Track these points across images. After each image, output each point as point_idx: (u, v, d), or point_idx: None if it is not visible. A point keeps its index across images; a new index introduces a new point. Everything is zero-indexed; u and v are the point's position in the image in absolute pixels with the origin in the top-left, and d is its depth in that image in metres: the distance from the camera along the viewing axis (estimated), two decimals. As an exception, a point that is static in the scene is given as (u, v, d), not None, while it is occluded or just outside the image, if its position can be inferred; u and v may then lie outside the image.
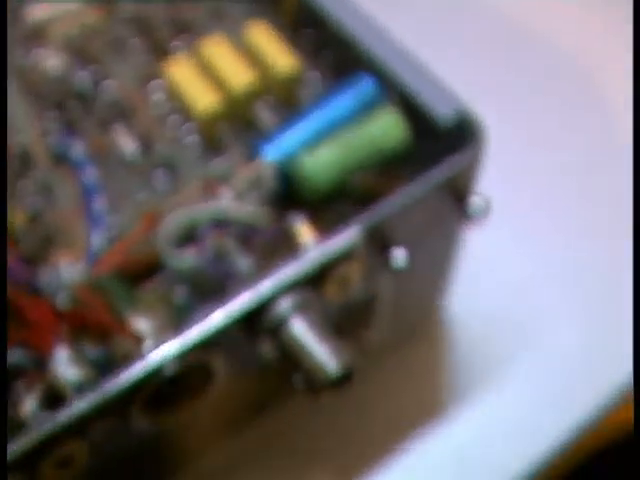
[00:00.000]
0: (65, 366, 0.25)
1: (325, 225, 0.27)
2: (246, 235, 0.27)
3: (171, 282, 0.27)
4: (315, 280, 0.26)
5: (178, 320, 0.26)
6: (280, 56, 0.30)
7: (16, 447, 0.23)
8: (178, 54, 0.30)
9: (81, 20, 0.32)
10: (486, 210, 0.27)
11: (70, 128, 0.30)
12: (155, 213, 0.28)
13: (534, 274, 0.35)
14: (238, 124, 0.30)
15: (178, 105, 0.30)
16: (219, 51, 0.30)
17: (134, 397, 0.24)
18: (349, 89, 0.29)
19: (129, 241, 0.28)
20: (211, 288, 0.27)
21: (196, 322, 0.25)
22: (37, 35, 0.32)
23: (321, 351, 0.25)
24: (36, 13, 0.32)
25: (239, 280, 0.27)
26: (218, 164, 0.29)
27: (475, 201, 0.27)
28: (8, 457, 0.23)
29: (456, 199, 0.27)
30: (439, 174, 0.26)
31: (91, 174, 0.29)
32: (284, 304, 0.25)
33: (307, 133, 0.28)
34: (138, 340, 0.25)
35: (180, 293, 0.27)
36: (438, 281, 0.32)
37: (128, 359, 0.25)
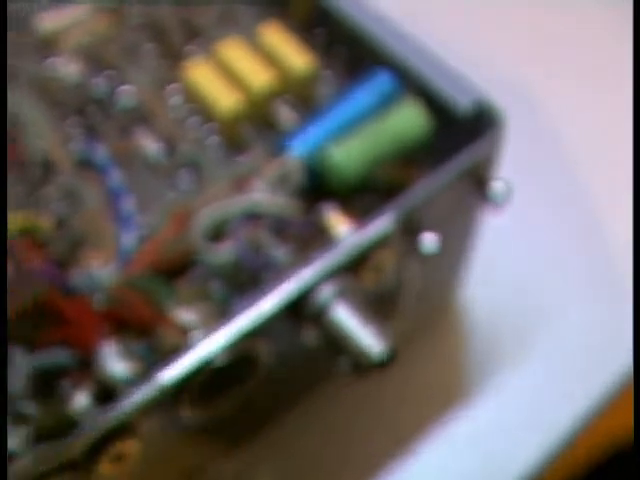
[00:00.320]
0: (113, 362, 0.25)
1: (352, 215, 0.28)
2: (278, 227, 0.28)
3: (206, 277, 0.28)
4: (354, 267, 0.26)
5: (219, 312, 0.27)
6: (295, 56, 0.30)
7: (74, 445, 0.23)
8: (196, 57, 0.31)
9: (92, 28, 0.33)
10: (508, 194, 0.28)
11: (91, 133, 0.30)
12: (184, 212, 0.29)
13: (545, 260, 0.36)
14: (258, 123, 0.30)
15: (197, 107, 0.31)
16: (236, 53, 0.30)
17: (185, 389, 0.25)
18: (367, 84, 0.30)
19: (160, 240, 0.28)
20: (246, 280, 0.28)
21: (243, 312, 0.25)
22: (49, 44, 0.32)
23: (365, 335, 0.26)
24: (46, 22, 0.32)
25: (275, 271, 0.27)
26: (242, 162, 0.30)
27: (497, 186, 0.28)
28: (67, 454, 0.24)
29: (477, 185, 0.29)
30: (463, 161, 0.27)
31: (116, 177, 0.29)
32: (326, 291, 0.26)
33: (330, 128, 0.29)
34: (184, 332, 0.26)
35: (216, 287, 0.28)
36: (458, 267, 0.33)
37: (176, 351, 0.25)
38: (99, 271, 0.28)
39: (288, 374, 0.29)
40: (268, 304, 0.25)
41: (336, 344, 0.26)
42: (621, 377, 0.33)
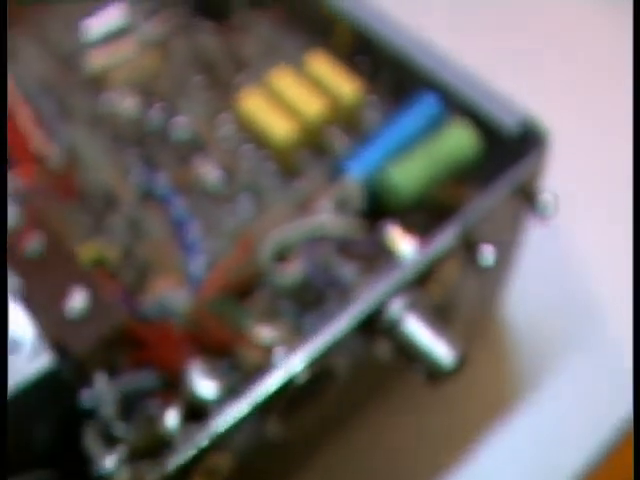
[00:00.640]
0: (200, 381, 0.26)
1: (410, 233, 0.29)
2: (342, 247, 0.29)
3: (274, 297, 0.29)
4: (421, 281, 0.28)
5: (293, 330, 0.28)
6: (343, 83, 0.32)
7: (170, 462, 0.24)
8: (246, 87, 0.32)
9: (140, 63, 0.34)
10: (555, 206, 0.30)
11: (150, 165, 0.32)
12: (249, 237, 0.30)
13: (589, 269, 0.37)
14: (312, 149, 0.32)
15: (251, 135, 0.32)
16: (287, 82, 0.32)
17: (273, 404, 0.26)
18: (414, 108, 0.31)
19: (228, 265, 0.29)
20: (313, 299, 0.29)
21: (321, 329, 0.26)
22: (99, 81, 0.33)
23: (438, 344, 0.27)
24: (95, 60, 0.34)
25: (342, 289, 0.29)
26: (299, 187, 0.31)
27: (545, 198, 0.30)
28: (162, 472, 0.25)
29: (526, 198, 0.30)
30: (514, 178, 0.29)
31: (179, 205, 0.31)
32: (397, 305, 0.27)
33: (384, 150, 0.30)
34: (265, 350, 0.27)
35: (285, 306, 0.29)
36: (504, 278, 0.34)
37: (260, 369, 0.26)
38: (171, 297, 0.29)
39: (357, 385, 0.30)
40: (345, 320, 0.26)
41: (409, 355, 0.27)
42: None
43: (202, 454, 0.25)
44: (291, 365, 0.26)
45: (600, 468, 0.34)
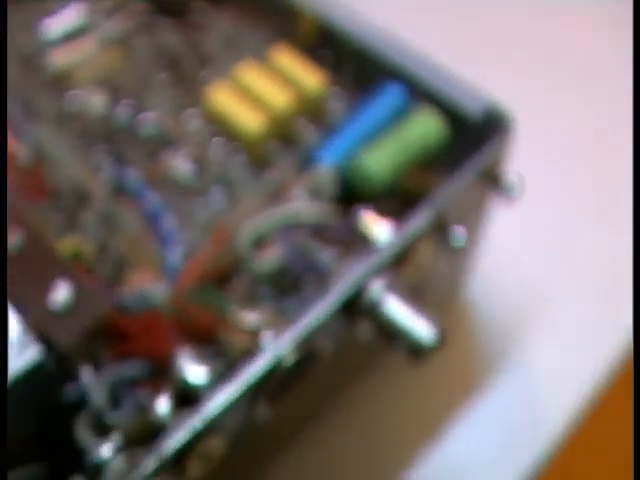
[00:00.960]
0: (190, 367, 0.27)
1: (383, 218, 0.30)
2: (318, 232, 0.30)
3: (253, 283, 0.30)
4: (397, 262, 0.29)
5: (275, 315, 0.29)
6: (307, 75, 0.33)
7: (166, 448, 0.25)
8: (215, 82, 0.33)
9: (103, 61, 0.34)
10: (521, 187, 0.31)
11: (121, 160, 0.32)
12: (224, 228, 0.30)
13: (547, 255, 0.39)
14: (281, 140, 0.32)
15: (219, 129, 0.32)
16: (254, 76, 0.32)
17: (262, 387, 0.27)
18: (379, 97, 0.32)
19: (204, 255, 0.30)
20: (291, 284, 0.30)
21: (306, 313, 0.27)
22: (63, 79, 0.33)
23: (418, 323, 0.28)
24: (57, 60, 0.34)
25: (320, 273, 0.29)
26: (270, 177, 0.32)
27: (511, 179, 0.31)
28: (159, 458, 0.25)
29: (491, 181, 0.31)
30: (481, 162, 0.30)
31: (152, 199, 0.31)
32: (376, 286, 0.28)
33: (354, 139, 0.31)
34: (252, 335, 0.28)
35: (264, 292, 0.29)
36: (471, 258, 0.35)
37: (248, 353, 0.27)
38: (150, 289, 0.29)
39: (339, 367, 0.31)
40: (327, 303, 0.27)
41: (391, 334, 0.28)
42: (616, 363, 0.37)
43: (196, 438, 0.25)
44: (278, 348, 0.26)
45: (569, 441, 0.35)
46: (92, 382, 0.26)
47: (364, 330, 0.28)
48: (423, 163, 0.31)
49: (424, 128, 0.31)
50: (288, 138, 0.32)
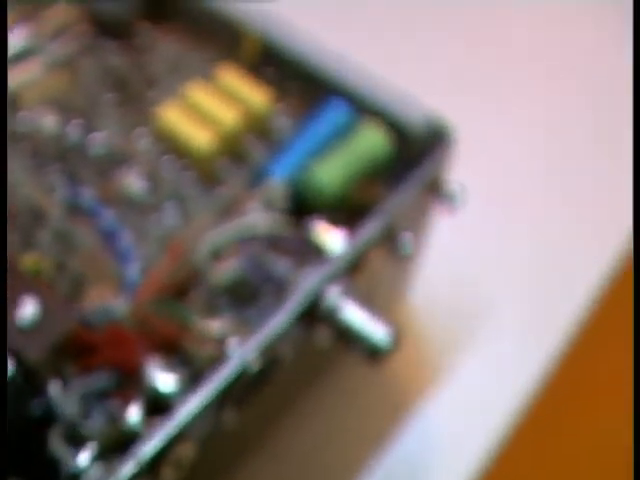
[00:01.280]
0: (159, 376, 0.27)
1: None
2: (273, 243, 0.31)
3: (211, 295, 0.31)
4: (351, 270, 0.30)
5: (235, 324, 0.30)
6: (253, 93, 0.34)
7: (140, 456, 0.25)
8: (164, 101, 0.34)
9: (49, 84, 0.35)
10: (463, 196, 0.33)
11: (74, 179, 0.32)
12: (179, 243, 0.31)
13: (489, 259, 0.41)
14: (230, 157, 0.33)
15: (169, 147, 0.33)
16: (202, 95, 0.33)
17: (229, 393, 0.28)
18: (325, 113, 0.33)
19: (161, 270, 0.31)
20: (248, 294, 0.31)
21: (268, 321, 0.28)
22: (12, 101, 0.34)
23: (375, 326, 0.29)
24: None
25: (278, 283, 0.31)
26: (222, 193, 0.33)
27: (453, 189, 0.33)
28: (134, 466, 0.26)
29: (435, 190, 0.33)
30: (426, 172, 0.32)
31: (107, 216, 0.32)
32: (333, 293, 0.29)
33: (303, 153, 0.32)
34: (215, 343, 0.28)
35: (223, 303, 0.30)
36: (415, 264, 0.37)
37: (213, 362, 0.28)
38: (110, 304, 0.30)
39: (300, 371, 0.32)
40: (287, 311, 0.28)
41: (350, 338, 0.29)
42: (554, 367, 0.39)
43: (170, 445, 0.26)
44: (244, 355, 0.27)
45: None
46: (61, 395, 0.27)
47: (323, 335, 0.30)
48: (370, 175, 0.33)
49: (370, 141, 0.32)
50: (237, 155, 0.33)
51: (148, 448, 0.26)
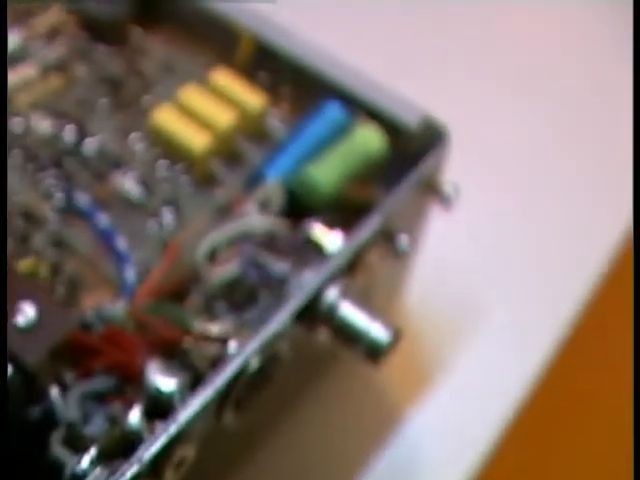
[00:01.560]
0: (160, 378, 0.27)
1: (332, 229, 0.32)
2: (271, 244, 0.31)
3: (210, 297, 0.31)
4: (349, 269, 0.30)
5: (236, 324, 0.30)
6: (248, 95, 0.34)
7: (142, 458, 0.25)
8: (158, 105, 0.34)
9: (43, 87, 0.34)
10: (456, 195, 0.33)
11: (70, 183, 0.32)
12: (176, 246, 0.31)
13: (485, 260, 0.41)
14: (226, 159, 0.33)
15: (165, 149, 0.33)
16: (197, 97, 0.33)
17: (231, 393, 0.28)
18: (320, 114, 0.33)
19: (159, 272, 0.31)
20: (249, 295, 0.31)
21: (268, 320, 0.28)
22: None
23: (374, 324, 0.29)
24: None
25: (276, 284, 0.31)
26: (218, 195, 0.33)
27: (448, 188, 0.33)
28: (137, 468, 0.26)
29: (430, 189, 0.33)
30: (421, 172, 0.32)
31: (103, 219, 0.32)
32: (331, 293, 0.29)
33: (298, 155, 0.33)
34: (217, 344, 0.28)
35: (222, 304, 0.30)
36: (411, 263, 0.37)
37: (215, 362, 0.28)
38: (110, 306, 0.30)
39: (299, 371, 0.32)
40: (288, 311, 0.28)
41: (349, 337, 0.29)
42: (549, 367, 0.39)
43: (171, 447, 0.26)
44: (244, 355, 0.27)
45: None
46: (61, 399, 0.27)
47: (322, 336, 0.30)
48: (365, 175, 0.33)
49: (366, 142, 0.32)
50: (233, 156, 0.33)
51: (149, 450, 0.26)
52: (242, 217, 0.31)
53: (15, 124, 0.33)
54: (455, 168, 0.34)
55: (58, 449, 0.26)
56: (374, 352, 0.29)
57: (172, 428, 0.26)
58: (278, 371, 0.30)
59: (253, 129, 0.34)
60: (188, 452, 0.27)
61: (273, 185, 0.32)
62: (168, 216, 0.32)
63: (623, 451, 0.36)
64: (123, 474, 0.25)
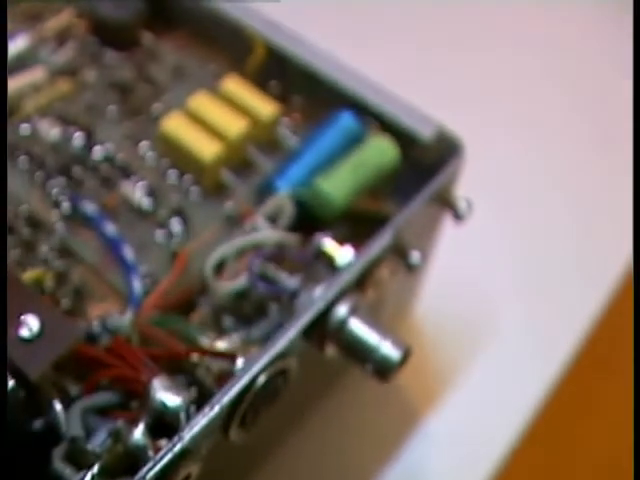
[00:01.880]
0: (165, 394, 0.27)
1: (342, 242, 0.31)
2: (281, 258, 0.30)
3: (219, 310, 0.30)
4: (360, 284, 0.30)
5: (243, 339, 0.29)
6: (260, 104, 0.33)
7: (146, 476, 0.25)
8: (169, 112, 0.33)
9: (51, 92, 0.34)
10: (469, 211, 0.32)
11: (78, 191, 0.32)
12: (185, 257, 0.31)
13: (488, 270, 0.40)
14: (237, 169, 0.33)
15: (175, 157, 0.33)
16: (208, 105, 0.33)
17: (237, 411, 0.27)
18: (333, 124, 0.33)
19: (168, 282, 0.30)
20: (258, 309, 0.30)
21: (275, 337, 0.28)
22: (12, 109, 0.33)
23: (385, 341, 0.29)
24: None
25: (286, 298, 0.30)
26: (228, 205, 0.32)
27: (460, 202, 0.32)
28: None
29: (443, 203, 0.32)
30: (435, 185, 0.31)
31: (110, 229, 0.31)
32: (342, 308, 0.29)
33: (309, 166, 0.32)
34: (225, 359, 0.28)
35: (230, 318, 0.30)
36: (422, 276, 0.37)
37: (220, 379, 0.27)
38: (116, 317, 0.29)
39: (307, 386, 0.31)
40: (297, 326, 0.28)
41: (358, 354, 0.29)
42: (557, 378, 0.39)
43: (176, 465, 0.26)
44: (252, 372, 0.27)
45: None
46: (65, 413, 0.26)
47: (331, 352, 0.29)
48: (377, 187, 0.32)
49: (379, 153, 0.32)
50: (243, 166, 0.33)
51: (154, 469, 0.25)
52: (252, 230, 0.31)
53: (22, 130, 0.33)
54: (466, 180, 0.34)
55: (60, 465, 0.25)
56: (383, 370, 0.28)
57: (177, 447, 0.25)
58: (287, 386, 0.29)
59: (264, 138, 0.33)
60: (193, 469, 0.27)
61: (284, 197, 0.31)
62: (176, 226, 0.32)
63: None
64: (126, 492, 0.25)
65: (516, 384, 0.38)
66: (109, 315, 0.29)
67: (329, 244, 0.30)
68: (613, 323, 0.41)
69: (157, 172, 0.33)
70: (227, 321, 0.30)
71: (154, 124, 0.33)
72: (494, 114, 0.47)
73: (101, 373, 0.27)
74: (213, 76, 0.35)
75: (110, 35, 0.36)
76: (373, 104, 0.33)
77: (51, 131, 0.33)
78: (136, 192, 0.32)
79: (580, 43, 0.52)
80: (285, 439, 0.34)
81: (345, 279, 0.29)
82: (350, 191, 0.31)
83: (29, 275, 0.29)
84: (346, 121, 0.33)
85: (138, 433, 0.26)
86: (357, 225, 0.32)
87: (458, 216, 0.32)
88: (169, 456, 0.25)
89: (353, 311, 0.29)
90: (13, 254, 0.30)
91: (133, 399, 0.27)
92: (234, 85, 0.34)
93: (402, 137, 0.32)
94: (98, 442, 0.26)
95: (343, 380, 0.35)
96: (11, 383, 0.25)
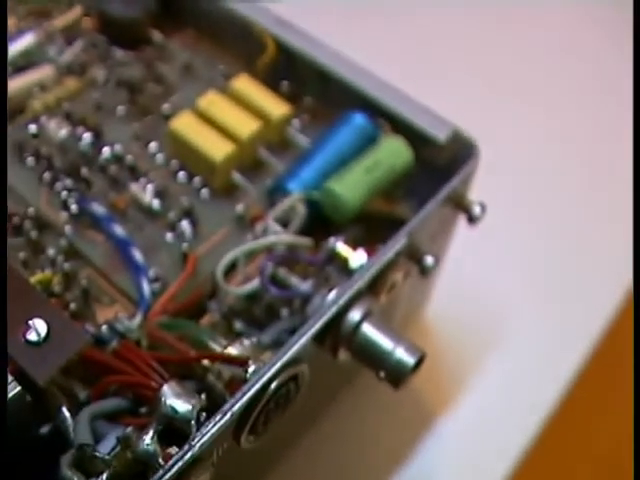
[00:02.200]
0: (176, 400, 0.26)
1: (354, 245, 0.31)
2: (293, 261, 0.30)
3: (231, 314, 0.29)
4: (374, 288, 0.29)
5: (255, 344, 0.28)
6: (271, 103, 0.33)
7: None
8: (178, 112, 0.33)
9: (60, 91, 0.33)
10: (482, 214, 0.32)
11: (86, 192, 0.31)
12: (195, 259, 0.30)
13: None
14: (248, 169, 0.32)
15: (185, 158, 0.32)
16: (218, 106, 0.32)
17: (248, 415, 0.26)
18: (346, 125, 0.32)
19: (178, 285, 0.30)
20: (271, 313, 0.30)
21: (287, 342, 0.27)
22: (19, 108, 0.33)
23: (399, 346, 0.28)
24: (13, 87, 0.33)
25: (298, 301, 0.29)
26: (240, 207, 0.31)
27: (475, 207, 0.32)
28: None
29: (456, 205, 0.32)
30: (449, 188, 0.31)
31: (119, 230, 0.31)
32: (355, 314, 0.28)
33: (322, 167, 0.31)
34: (237, 364, 0.27)
35: (241, 322, 0.29)
36: (435, 279, 0.36)
37: (232, 385, 0.27)
38: (124, 321, 0.29)
39: (318, 391, 0.31)
40: (310, 330, 0.27)
41: (372, 359, 0.28)
42: (568, 381, 0.38)
43: (186, 473, 0.25)
44: (264, 378, 0.26)
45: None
46: (73, 419, 0.26)
47: (343, 356, 0.28)
48: (390, 189, 0.32)
49: (392, 154, 0.31)
50: (254, 167, 0.32)
51: (164, 477, 0.24)
52: (263, 233, 0.30)
53: (30, 130, 0.32)
54: (479, 184, 0.33)
55: (68, 472, 0.25)
56: (397, 376, 0.28)
57: (187, 455, 0.25)
58: (299, 392, 0.29)
59: (275, 139, 0.33)
60: (204, 477, 0.26)
61: (295, 199, 0.30)
62: (186, 228, 0.31)
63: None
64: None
65: (529, 386, 0.37)
66: (118, 318, 0.29)
67: (342, 247, 0.30)
68: (627, 325, 0.41)
69: (167, 173, 0.32)
70: (238, 325, 0.30)
71: (163, 124, 0.33)
72: (503, 114, 0.46)
73: (110, 379, 0.27)
74: (223, 75, 0.34)
75: (119, 33, 0.35)
76: (386, 105, 0.32)
77: (59, 131, 0.32)
78: (145, 193, 0.31)
79: (592, 44, 0.52)
80: (297, 442, 0.34)
81: (358, 283, 0.28)
82: (363, 193, 0.31)
83: (36, 277, 0.29)
84: (359, 122, 0.32)
85: (148, 440, 0.26)
86: (370, 227, 0.32)
87: (472, 219, 0.32)
88: (179, 464, 0.25)
89: (366, 316, 0.28)
90: (20, 256, 0.30)
91: (142, 405, 0.27)
92: (244, 85, 0.33)
93: (416, 138, 0.32)
94: (107, 449, 0.26)
95: (356, 382, 0.35)
96: (18, 388, 0.25)
